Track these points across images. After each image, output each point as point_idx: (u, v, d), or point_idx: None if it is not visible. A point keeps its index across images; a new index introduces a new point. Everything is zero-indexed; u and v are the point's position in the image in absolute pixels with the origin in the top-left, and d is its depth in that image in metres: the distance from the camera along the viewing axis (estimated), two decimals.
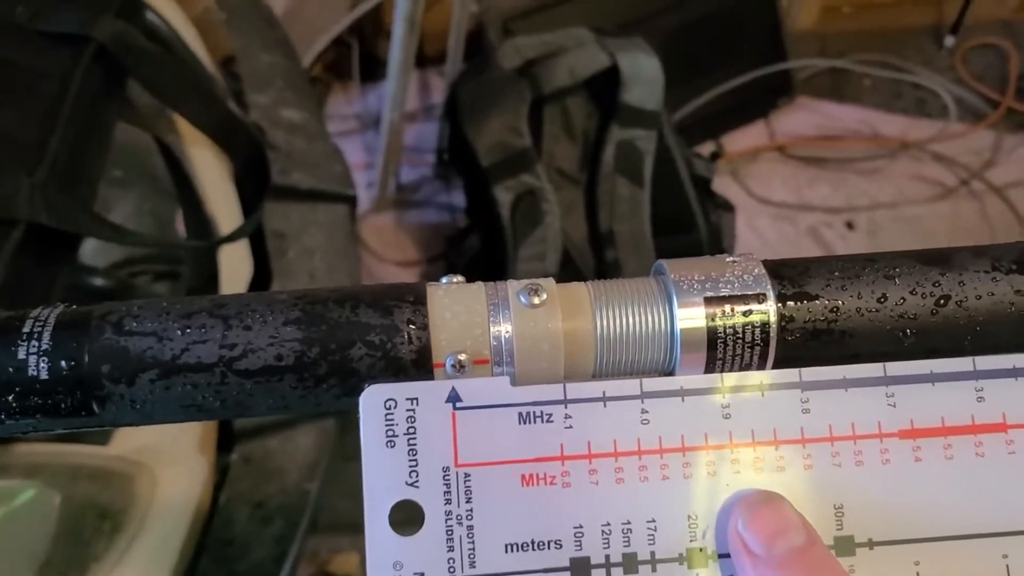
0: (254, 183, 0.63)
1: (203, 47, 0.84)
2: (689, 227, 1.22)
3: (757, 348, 0.26)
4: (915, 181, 1.63)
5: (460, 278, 0.28)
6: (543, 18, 1.47)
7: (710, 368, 0.27)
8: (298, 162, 0.89)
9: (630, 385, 0.26)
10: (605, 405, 0.26)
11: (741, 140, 1.67)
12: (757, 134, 1.69)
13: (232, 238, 0.60)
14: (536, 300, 0.26)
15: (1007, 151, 1.67)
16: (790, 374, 0.27)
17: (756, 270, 0.27)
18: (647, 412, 0.26)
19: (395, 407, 0.25)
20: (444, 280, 0.27)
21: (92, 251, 0.67)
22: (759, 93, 1.68)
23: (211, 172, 0.72)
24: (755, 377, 0.27)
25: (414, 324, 0.25)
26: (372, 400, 0.25)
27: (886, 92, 1.77)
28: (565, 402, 0.26)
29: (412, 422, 0.25)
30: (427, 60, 1.73)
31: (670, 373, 0.27)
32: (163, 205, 0.73)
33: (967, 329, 0.27)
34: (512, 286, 0.27)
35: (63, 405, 0.24)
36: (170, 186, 0.70)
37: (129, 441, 0.60)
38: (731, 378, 0.26)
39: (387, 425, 0.25)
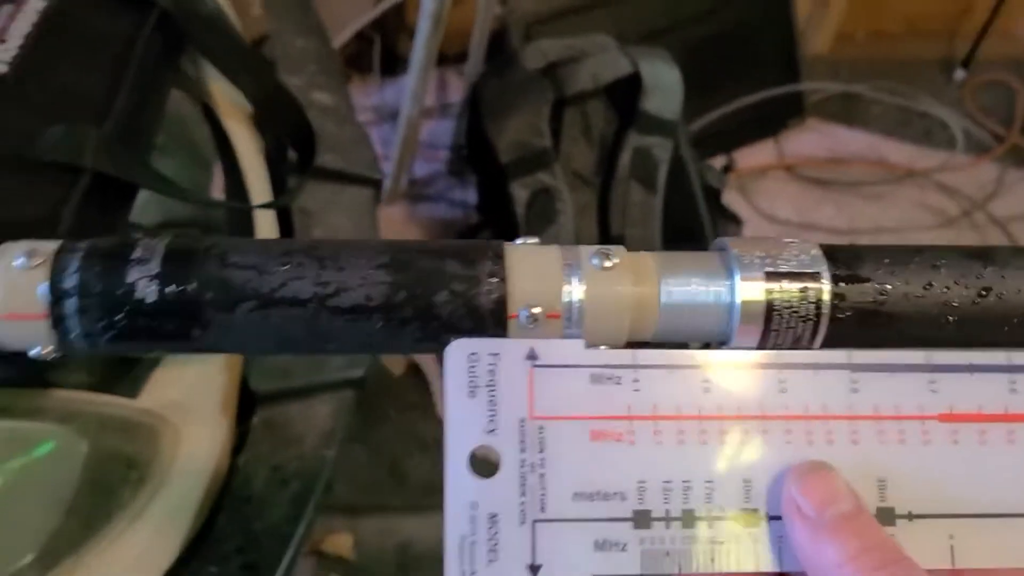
0: (299, 155, 0.65)
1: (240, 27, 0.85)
2: (698, 236, 1.24)
3: (810, 323, 0.28)
4: (919, 208, 1.65)
5: (535, 240, 0.29)
6: (565, 24, 1.50)
7: (764, 340, 0.28)
8: (327, 145, 0.91)
9: (694, 355, 0.28)
10: (670, 372, 0.28)
11: (751, 157, 1.70)
12: (766, 152, 1.71)
13: (274, 205, 0.61)
14: (607, 263, 0.28)
15: (1010, 184, 1.70)
16: (840, 355, 0.28)
17: (813, 251, 0.29)
18: (708, 381, 0.28)
19: (478, 361, 0.27)
20: (519, 241, 0.29)
21: (135, 210, 0.68)
22: (771, 112, 1.71)
23: (246, 148, 0.74)
24: (809, 356, 0.28)
25: (494, 276, 0.27)
26: (457, 353, 0.27)
27: (895, 120, 1.80)
28: (635, 367, 0.28)
29: (493, 375, 0.27)
30: (446, 59, 1.76)
31: (723, 343, 0.29)
32: (200, 175, 0.74)
33: (1005, 320, 0.29)
34: (584, 250, 0.28)
35: (166, 328, 0.26)
36: (208, 157, 0.71)
37: (157, 395, 0.61)
38: (787, 355, 0.28)
39: (470, 377, 0.27)
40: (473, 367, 0.27)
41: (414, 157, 1.59)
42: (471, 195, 1.55)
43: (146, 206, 0.68)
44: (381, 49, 1.71)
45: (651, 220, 1.20)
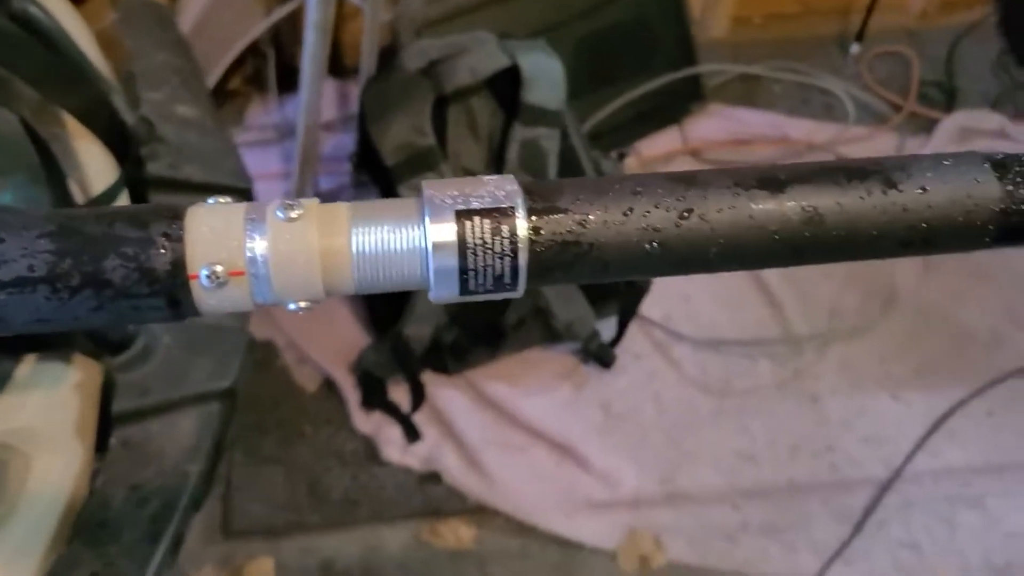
0: (116, 159, 0.64)
1: (94, 46, 0.84)
2: None
3: (508, 259, 0.28)
4: None
5: (229, 199, 0.29)
6: (455, 26, 1.49)
7: (464, 279, 0.28)
8: (190, 156, 0.89)
9: None
10: None
11: (656, 144, 1.71)
12: (671, 139, 1.73)
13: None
14: (293, 214, 0.27)
15: (909, 152, 1.73)
16: None
17: (509, 186, 0.28)
18: None
19: None
20: (211, 201, 0.28)
21: None
22: (672, 100, 1.72)
23: (97, 165, 0.72)
24: None
25: (169, 237, 0.26)
26: None
27: (795, 98, 1.83)
28: None
29: None
30: (347, 71, 1.75)
31: (428, 287, 0.29)
32: (42, 196, 0.73)
33: (711, 241, 0.29)
34: (272, 204, 0.28)
35: None
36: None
37: (2, 424, 0.60)
38: None
39: None
40: None
41: (317, 170, 1.58)
42: None
43: None
44: (277, 65, 1.70)
45: None
